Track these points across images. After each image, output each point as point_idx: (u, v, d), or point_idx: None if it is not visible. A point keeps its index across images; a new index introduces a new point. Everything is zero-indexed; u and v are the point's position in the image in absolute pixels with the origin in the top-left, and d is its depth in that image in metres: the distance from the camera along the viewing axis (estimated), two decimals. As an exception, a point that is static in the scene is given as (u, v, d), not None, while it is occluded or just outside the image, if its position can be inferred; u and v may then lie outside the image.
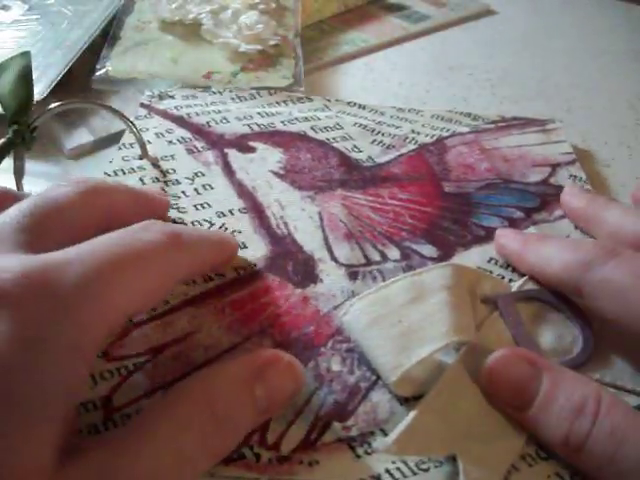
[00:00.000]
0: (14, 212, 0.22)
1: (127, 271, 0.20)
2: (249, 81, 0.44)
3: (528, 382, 0.23)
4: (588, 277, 0.26)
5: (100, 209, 0.25)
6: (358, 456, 0.23)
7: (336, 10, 0.57)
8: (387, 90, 0.47)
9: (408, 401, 0.25)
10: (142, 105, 0.40)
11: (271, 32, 0.48)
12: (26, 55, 0.38)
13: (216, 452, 0.21)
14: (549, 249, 0.28)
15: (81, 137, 0.39)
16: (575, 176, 0.37)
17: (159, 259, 0.22)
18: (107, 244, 0.21)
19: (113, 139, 0.39)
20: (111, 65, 0.44)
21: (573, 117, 0.45)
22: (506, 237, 0.31)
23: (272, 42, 0.47)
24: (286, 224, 0.32)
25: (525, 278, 0.29)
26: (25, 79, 0.37)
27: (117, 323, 0.21)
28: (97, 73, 0.44)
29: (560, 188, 0.36)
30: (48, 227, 0.23)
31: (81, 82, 0.43)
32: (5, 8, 0.49)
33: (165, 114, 0.40)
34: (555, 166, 0.38)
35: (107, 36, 0.47)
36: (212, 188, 0.34)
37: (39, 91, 0.39)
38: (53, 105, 0.35)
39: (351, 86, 0.46)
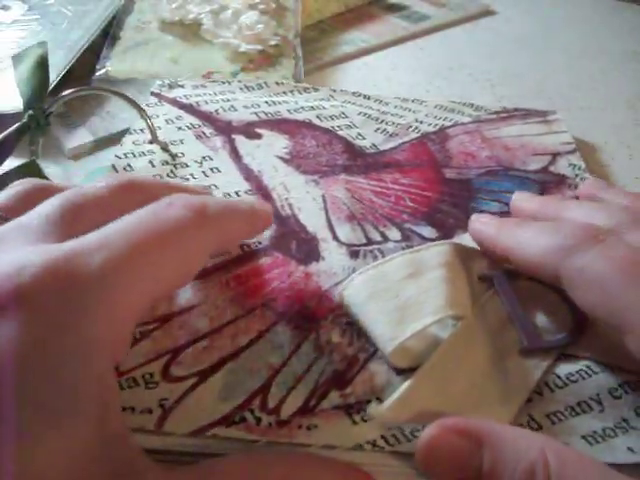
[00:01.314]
0: (44, 206, 0.22)
1: (152, 255, 0.20)
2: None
3: (468, 458, 0.20)
4: (567, 264, 0.24)
5: (134, 204, 0.23)
6: (355, 422, 0.24)
7: (336, 10, 0.58)
8: (387, 90, 0.47)
9: (405, 372, 0.26)
10: (152, 93, 0.42)
11: (271, 32, 0.48)
12: (43, 44, 0.39)
13: None
14: (526, 232, 0.26)
15: (81, 137, 0.40)
16: (574, 165, 0.38)
17: (185, 238, 0.21)
18: (130, 226, 0.20)
19: (113, 139, 0.39)
20: (111, 65, 0.45)
21: (573, 117, 0.45)
22: (480, 221, 0.29)
23: (272, 42, 0.48)
24: (290, 206, 0.33)
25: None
26: (42, 67, 0.38)
27: (144, 308, 0.20)
28: (97, 73, 0.44)
29: (560, 176, 0.37)
30: (76, 218, 0.21)
31: (81, 82, 0.43)
32: (5, 8, 0.50)
33: (174, 102, 0.41)
34: (555, 155, 0.39)
35: (107, 36, 0.48)
36: (219, 171, 0.35)
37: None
38: (67, 92, 0.37)
39: (351, 86, 0.46)
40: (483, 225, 0.29)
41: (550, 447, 0.20)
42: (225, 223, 0.24)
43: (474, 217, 0.30)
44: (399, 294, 0.27)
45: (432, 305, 0.26)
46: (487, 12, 0.62)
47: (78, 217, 0.22)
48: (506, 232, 0.27)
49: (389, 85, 0.49)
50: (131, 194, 0.24)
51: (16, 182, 0.25)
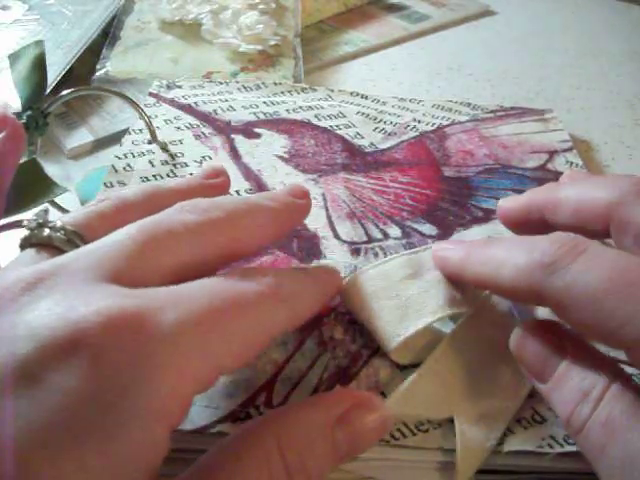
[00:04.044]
0: (120, 235, 0.20)
1: (226, 323, 0.18)
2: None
3: (551, 354, 0.22)
4: (550, 283, 0.21)
5: (218, 248, 0.22)
6: (360, 417, 0.24)
7: (336, 10, 0.58)
8: (387, 90, 0.48)
9: (408, 367, 0.26)
10: (150, 94, 0.42)
11: (271, 32, 0.49)
12: (40, 44, 0.39)
13: None
14: (497, 252, 0.23)
15: (81, 137, 0.40)
16: (572, 162, 0.38)
17: (261, 313, 0.20)
18: (207, 288, 0.19)
19: (113, 139, 0.40)
20: (111, 65, 0.45)
21: (573, 117, 0.45)
22: (446, 249, 0.26)
23: (272, 42, 0.48)
24: (291, 204, 0.33)
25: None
26: (39, 66, 0.38)
27: (209, 382, 0.18)
28: (97, 73, 0.44)
29: (557, 173, 0.37)
30: (152, 260, 0.20)
31: (81, 82, 0.43)
32: (5, 8, 0.50)
33: (173, 102, 0.41)
34: (552, 153, 0.39)
35: (107, 36, 0.48)
36: (219, 171, 0.35)
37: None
38: (66, 92, 0.36)
39: (351, 86, 0.47)
40: (448, 252, 0.26)
41: (620, 377, 0.21)
42: (296, 303, 0.22)
43: (436, 246, 0.27)
44: (400, 294, 0.27)
45: (432, 305, 0.26)
46: (487, 12, 0.62)
47: (154, 259, 0.20)
48: (474, 255, 0.24)
49: (389, 85, 0.49)
50: (216, 236, 0.22)
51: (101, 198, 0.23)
